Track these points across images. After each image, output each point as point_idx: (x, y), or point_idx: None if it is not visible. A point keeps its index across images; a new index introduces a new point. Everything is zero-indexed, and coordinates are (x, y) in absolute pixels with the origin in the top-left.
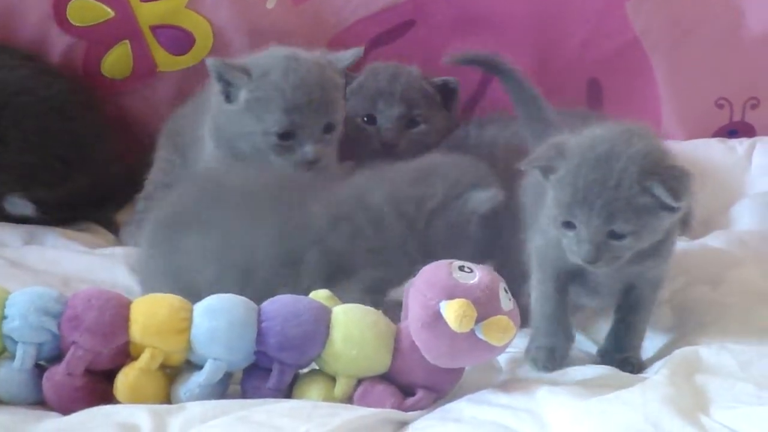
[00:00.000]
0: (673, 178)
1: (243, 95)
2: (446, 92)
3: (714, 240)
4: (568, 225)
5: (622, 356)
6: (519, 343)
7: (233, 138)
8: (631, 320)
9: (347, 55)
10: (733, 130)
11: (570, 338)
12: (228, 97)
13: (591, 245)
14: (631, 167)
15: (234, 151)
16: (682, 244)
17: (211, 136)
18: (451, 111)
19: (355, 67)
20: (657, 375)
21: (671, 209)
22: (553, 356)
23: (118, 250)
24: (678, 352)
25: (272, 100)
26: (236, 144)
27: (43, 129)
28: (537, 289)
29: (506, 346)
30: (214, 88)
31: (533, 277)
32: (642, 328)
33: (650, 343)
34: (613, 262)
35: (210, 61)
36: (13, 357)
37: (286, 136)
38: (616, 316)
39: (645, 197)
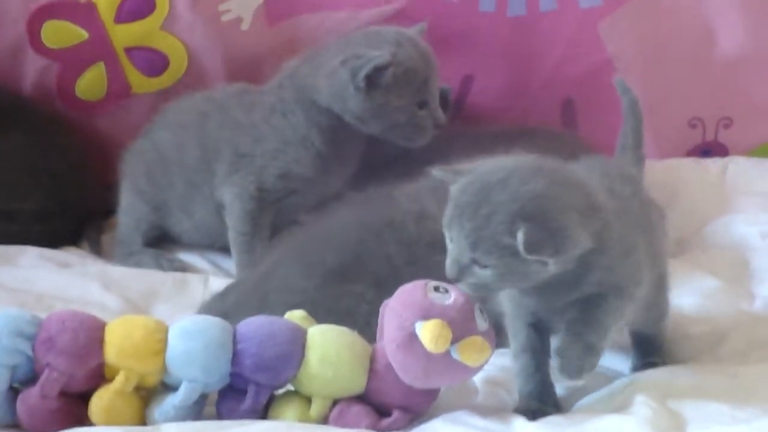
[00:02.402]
0: (544, 231)
1: (389, 74)
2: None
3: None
4: (449, 237)
5: (571, 343)
6: (495, 362)
7: (382, 120)
8: (588, 308)
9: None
10: (706, 150)
11: (556, 405)
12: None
13: (455, 264)
14: (511, 204)
15: (386, 134)
16: None
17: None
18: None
19: None
20: (633, 400)
21: (539, 260)
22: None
23: (92, 269)
24: (649, 377)
25: (415, 73)
26: (385, 125)
27: (16, 151)
28: (513, 342)
29: (482, 366)
30: (348, 88)
31: (508, 328)
32: (599, 320)
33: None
34: (480, 290)
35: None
36: None
37: (423, 105)
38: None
39: (510, 238)
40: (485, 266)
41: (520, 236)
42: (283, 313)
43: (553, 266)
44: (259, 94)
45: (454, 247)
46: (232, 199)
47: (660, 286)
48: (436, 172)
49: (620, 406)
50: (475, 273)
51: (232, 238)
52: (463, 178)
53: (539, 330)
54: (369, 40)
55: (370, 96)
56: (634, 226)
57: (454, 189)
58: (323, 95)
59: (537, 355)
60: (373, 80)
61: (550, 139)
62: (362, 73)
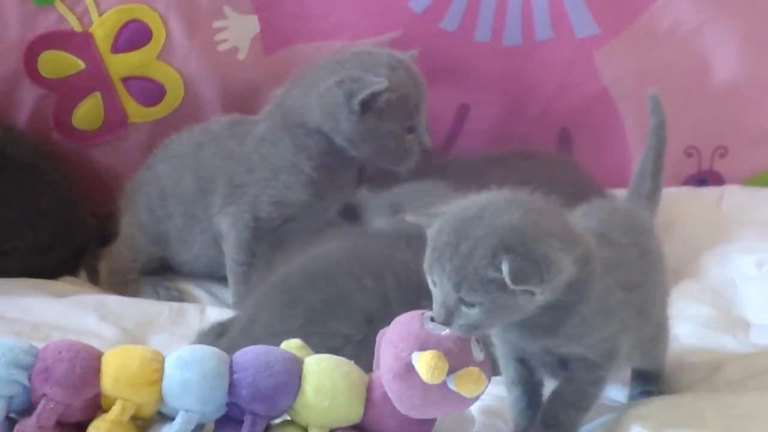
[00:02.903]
0: (527, 260)
1: (383, 99)
2: None
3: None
4: (433, 282)
5: (543, 427)
6: (492, 391)
7: (371, 143)
8: (563, 392)
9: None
10: (702, 179)
11: None
12: (365, 108)
13: (442, 308)
14: (490, 238)
15: (374, 157)
16: None
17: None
18: None
19: None
20: (627, 428)
21: (527, 291)
22: None
23: (88, 299)
24: (646, 407)
25: (407, 99)
26: (374, 148)
27: (12, 186)
28: (504, 375)
29: (478, 396)
30: (342, 110)
31: (499, 360)
32: (575, 404)
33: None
34: (470, 330)
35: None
36: None
37: (411, 130)
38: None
39: (494, 272)
40: (472, 305)
41: (505, 268)
42: None
43: (540, 296)
44: (250, 123)
45: (439, 290)
46: (228, 229)
47: (658, 334)
48: (410, 217)
49: None
50: (463, 313)
51: (230, 267)
52: (438, 220)
53: (527, 364)
54: (363, 63)
55: (362, 119)
56: (624, 284)
57: (430, 232)
58: (314, 115)
59: (528, 387)
60: (367, 104)
61: (547, 163)
62: (359, 98)
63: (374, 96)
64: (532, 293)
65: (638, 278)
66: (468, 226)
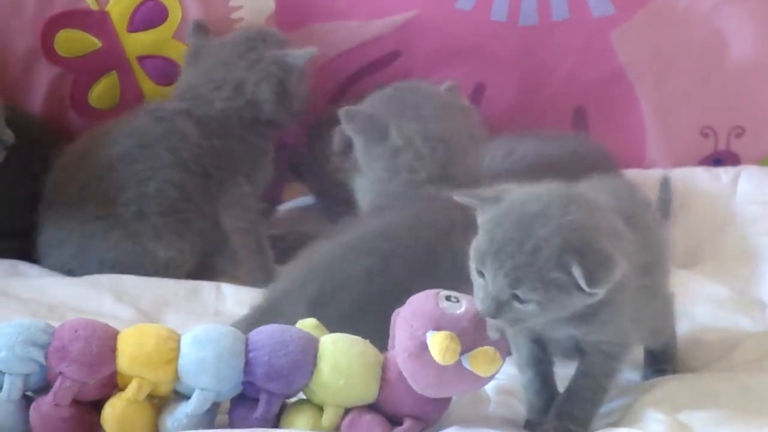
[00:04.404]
0: (595, 262)
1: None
2: None
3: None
4: (480, 273)
5: (557, 423)
6: (508, 370)
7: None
8: (578, 387)
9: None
10: (718, 159)
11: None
12: None
13: (493, 302)
14: (554, 237)
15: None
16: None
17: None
18: None
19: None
20: (643, 414)
21: (585, 292)
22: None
23: (104, 278)
24: (660, 389)
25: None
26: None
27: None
28: (517, 356)
29: (493, 376)
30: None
31: (511, 341)
32: (590, 399)
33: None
34: (516, 323)
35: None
36: (0, 388)
37: None
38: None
39: (559, 273)
40: (526, 301)
41: (577, 272)
42: None
43: (600, 295)
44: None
45: (490, 283)
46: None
47: (661, 311)
48: (459, 197)
49: (631, 419)
50: (514, 308)
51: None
52: (494, 209)
53: (541, 344)
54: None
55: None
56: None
57: (485, 220)
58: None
59: (542, 368)
60: None
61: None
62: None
63: None
64: (594, 293)
65: (648, 259)
66: (532, 224)
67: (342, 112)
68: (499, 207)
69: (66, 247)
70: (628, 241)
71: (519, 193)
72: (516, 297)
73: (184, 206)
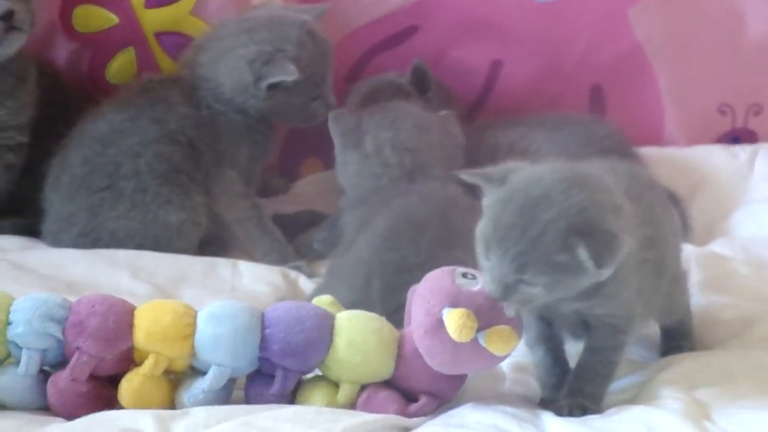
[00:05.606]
0: (601, 243)
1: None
2: (420, 79)
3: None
4: (486, 256)
5: (571, 400)
6: (524, 348)
7: (280, 114)
8: (587, 363)
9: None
10: (735, 137)
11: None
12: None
13: (500, 285)
14: (559, 221)
15: (282, 121)
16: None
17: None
18: (428, 92)
19: (357, 75)
20: (660, 391)
21: (591, 272)
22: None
23: (121, 254)
24: (676, 367)
25: (314, 73)
26: (282, 117)
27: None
28: (526, 335)
29: (509, 354)
30: (249, 88)
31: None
32: (600, 374)
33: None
34: (525, 304)
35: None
36: (17, 363)
37: (317, 97)
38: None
39: (565, 255)
40: (533, 284)
41: (583, 253)
42: None
43: (606, 273)
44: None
45: (496, 267)
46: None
47: (673, 289)
48: (465, 175)
49: (648, 397)
50: (521, 291)
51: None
52: (498, 192)
53: (549, 322)
54: (273, 36)
55: (269, 95)
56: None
57: (489, 204)
58: (224, 88)
59: (552, 345)
60: (274, 85)
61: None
62: (266, 82)
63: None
64: (600, 273)
65: (651, 233)
66: (535, 209)
67: (331, 115)
68: (502, 191)
69: (75, 223)
70: (629, 216)
71: (522, 176)
72: (523, 280)
73: (177, 178)
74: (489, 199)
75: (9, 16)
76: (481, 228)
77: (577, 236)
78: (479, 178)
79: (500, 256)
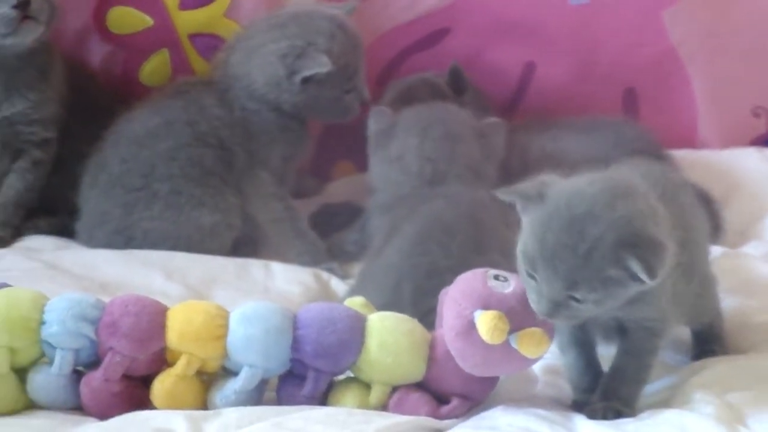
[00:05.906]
0: (650, 252)
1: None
2: (456, 80)
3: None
4: (531, 276)
5: (605, 404)
6: (556, 350)
7: (313, 108)
8: (622, 366)
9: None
10: None
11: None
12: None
13: (549, 304)
14: (608, 235)
15: (315, 117)
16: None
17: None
18: (464, 94)
19: (389, 77)
20: (693, 395)
21: (642, 282)
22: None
23: (154, 255)
24: (708, 371)
25: (347, 66)
26: (316, 111)
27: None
28: (559, 337)
29: (541, 356)
30: (283, 82)
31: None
32: (634, 378)
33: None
34: (573, 320)
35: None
36: (51, 362)
37: (350, 90)
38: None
39: (616, 269)
40: (583, 300)
41: (635, 266)
42: None
43: (656, 282)
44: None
45: (545, 286)
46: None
47: (703, 292)
48: (501, 193)
49: (681, 401)
50: (570, 307)
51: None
52: (538, 209)
53: (582, 325)
54: (303, 30)
55: (303, 89)
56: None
57: (530, 221)
58: (257, 84)
59: (584, 348)
60: (308, 79)
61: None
62: (300, 75)
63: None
64: (645, 284)
65: (683, 236)
66: (582, 225)
67: (374, 109)
68: (544, 207)
69: (110, 220)
70: (665, 220)
71: (561, 191)
72: (573, 297)
73: (210, 180)
74: (529, 217)
75: (25, 5)
76: (524, 246)
77: (627, 249)
78: (516, 195)
79: (549, 275)
